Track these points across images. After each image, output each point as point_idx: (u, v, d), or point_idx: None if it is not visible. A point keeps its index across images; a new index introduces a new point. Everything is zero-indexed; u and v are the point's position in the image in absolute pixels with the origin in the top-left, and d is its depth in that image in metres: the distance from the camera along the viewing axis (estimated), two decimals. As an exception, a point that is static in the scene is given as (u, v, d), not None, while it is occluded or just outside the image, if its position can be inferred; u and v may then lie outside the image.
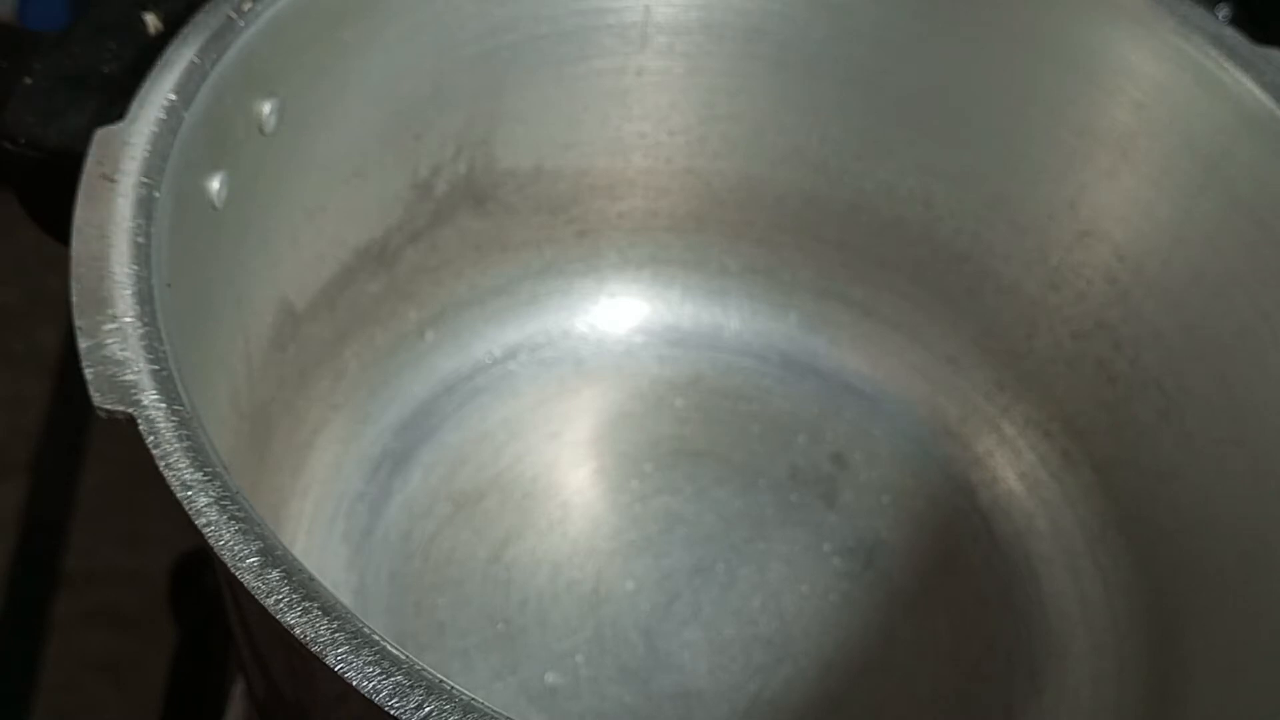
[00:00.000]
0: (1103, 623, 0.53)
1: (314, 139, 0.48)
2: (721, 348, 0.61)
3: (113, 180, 0.38)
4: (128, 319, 0.35)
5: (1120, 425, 0.54)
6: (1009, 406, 0.58)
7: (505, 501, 0.55)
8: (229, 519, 0.32)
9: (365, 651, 0.30)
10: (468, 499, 0.55)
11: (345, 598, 0.52)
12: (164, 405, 0.34)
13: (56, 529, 0.68)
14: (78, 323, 0.35)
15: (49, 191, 0.45)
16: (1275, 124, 0.46)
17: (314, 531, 0.53)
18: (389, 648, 0.30)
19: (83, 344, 0.35)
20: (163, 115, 0.40)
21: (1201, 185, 0.49)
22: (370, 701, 0.29)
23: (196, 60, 0.42)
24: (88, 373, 0.34)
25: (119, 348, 0.35)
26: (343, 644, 0.30)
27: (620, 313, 0.61)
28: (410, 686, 0.30)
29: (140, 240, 0.37)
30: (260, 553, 0.32)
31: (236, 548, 0.32)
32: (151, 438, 0.33)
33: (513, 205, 0.58)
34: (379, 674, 0.30)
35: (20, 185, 0.48)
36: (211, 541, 0.32)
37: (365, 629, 0.31)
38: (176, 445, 0.33)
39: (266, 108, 0.45)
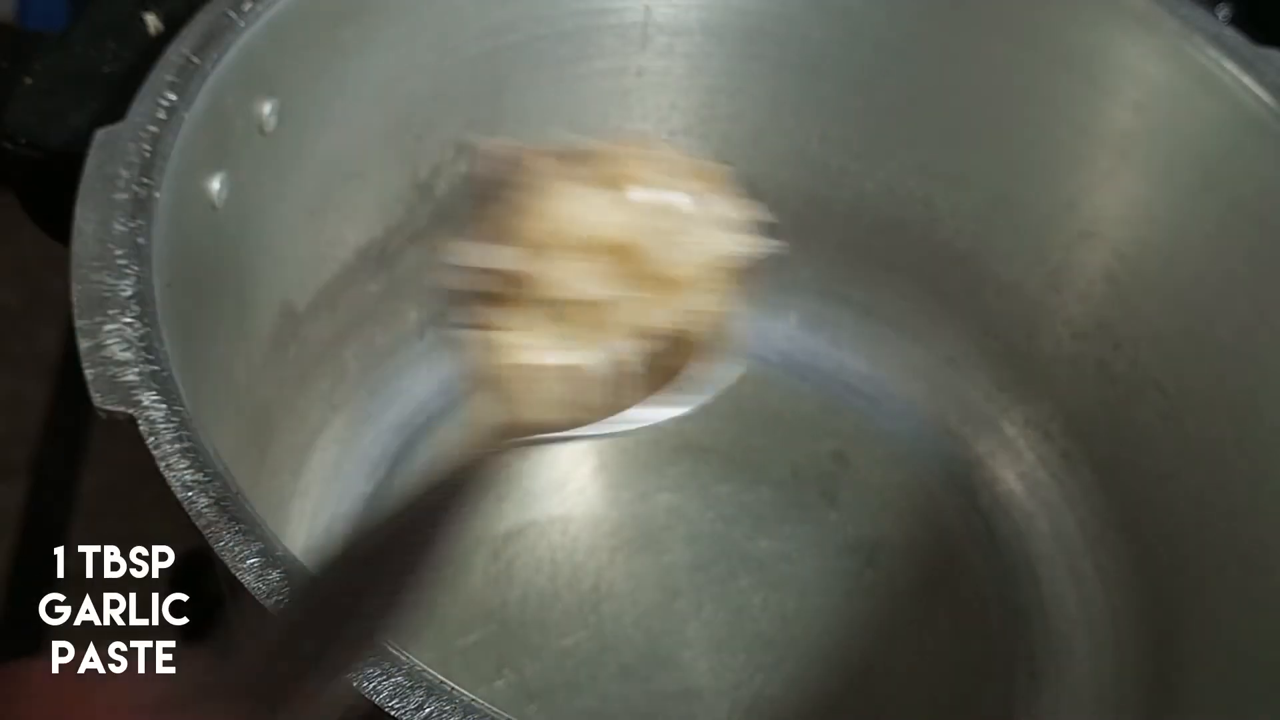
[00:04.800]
0: (1103, 623, 0.53)
1: (314, 139, 0.48)
2: (722, 347, 0.61)
3: (113, 181, 0.38)
4: (128, 319, 0.35)
5: (1120, 426, 0.54)
6: (1009, 407, 0.58)
7: (505, 498, 0.55)
8: (229, 520, 0.32)
9: (365, 652, 0.30)
10: (468, 498, 0.55)
11: (346, 598, 0.52)
12: (164, 406, 0.34)
13: (56, 529, 0.68)
14: (78, 323, 0.35)
15: (49, 192, 0.45)
16: (1276, 125, 0.46)
17: (315, 532, 0.53)
18: (389, 648, 0.30)
19: (83, 345, 0.35)
20: (163, 116, 0.40)
21: (1202, 186, 0.49)
22: (371, 702, 0.29)
23: (197, 61, 0.42)
24: (88, 373, 0.34)
25: (119, 348, 0.35)
26: (343, 645, 0.30)
27: (620, 313, 0.61)
28: (410, 687, 0.30)
29: (140, 240, 0.37)
30: (261, 554, 0.32)
31: (237, 549, 0.32)
32: (152, 439, 0.33)
33: (513, 205, 0.58)
34: (379, 674, 0.30)
35: (21, 186, 0.48)
36: (212, 542, 0.32)
37: (365, 630, 0.31)
38: (177, 446, 0.33)
39: (266, 108, 0.45)
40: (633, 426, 0.33)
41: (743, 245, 0.33)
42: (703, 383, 0.33)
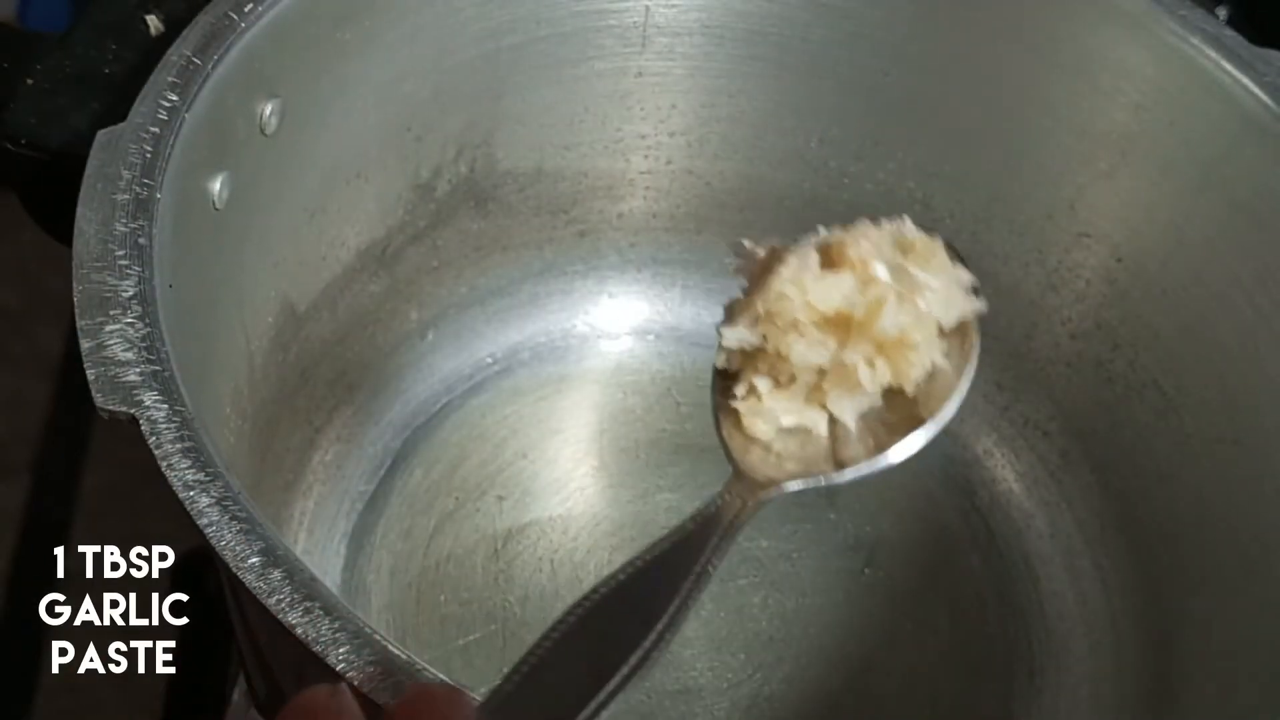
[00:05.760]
0: (1101, 622, 0.53)
1: (315, 140, 0.48)
2: (722, 347, 0.61)
3: (114, 181, 0.39)
4: (129, 320, 0.35)
5: (1119, 425, 0.54)
6: (1008, 406, 0.58)
7: (506, 498, 0.55)
8: (230, 519, 0.32)
9: (366, 651, 0.30)
10: (469, 496, 0.55)
11: (346, 596, 0.52)
12: (166, 406, 0.34)
13: (57, 529, 0.68)
14: (80, 323, 0.35)
15: (51, 192, 0.45)
16: (1274, 125, 0.46)
17: (315, 531, 0.53)
18: (390, 648, 0.30)
19: (85, 345, 0.35)
20: (164, 116, 0.40)
21: (1200, 186, 0.49)
22: (372, 702, 0.29)
23: (198, 61, 0.42)
24: (90, 373, 0.34)
25: (121, 348, 0.35)
26: (344, 644, 0.30)
27: (621, 313, 0.61)
28: (411, 686, 0.30)
29: (142, 241, 0.37)
30: (262, 553, 0.32)
31: (238, 548, 0.32)
32: (153, 438, 0.33)
33: (513, 206, 0.58)
34: (380, 674, 0.30)
35: (22, 186, 0.48)
36: (213, 542, 0.32)
37: (366, 629, 0.31)
38: (178, 446, 0.33)
39: (268, 108, 0.45)
40: (857, 475, 0.37)
41: (950, 309, 0.38)
42: (915, 434, 0.37)
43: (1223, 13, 0.55)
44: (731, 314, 0.39)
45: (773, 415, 0.38)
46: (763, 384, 0.38)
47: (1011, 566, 0.56)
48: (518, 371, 0.60)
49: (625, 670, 0.29)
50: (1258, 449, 0.47)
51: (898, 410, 0.38)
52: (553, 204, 0.58)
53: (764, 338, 0.37)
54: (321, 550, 0.53)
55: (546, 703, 0.28)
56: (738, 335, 0.38)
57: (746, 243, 0.39)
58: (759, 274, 0.38)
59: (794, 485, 0.37)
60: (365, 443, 0.56)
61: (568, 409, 0.59)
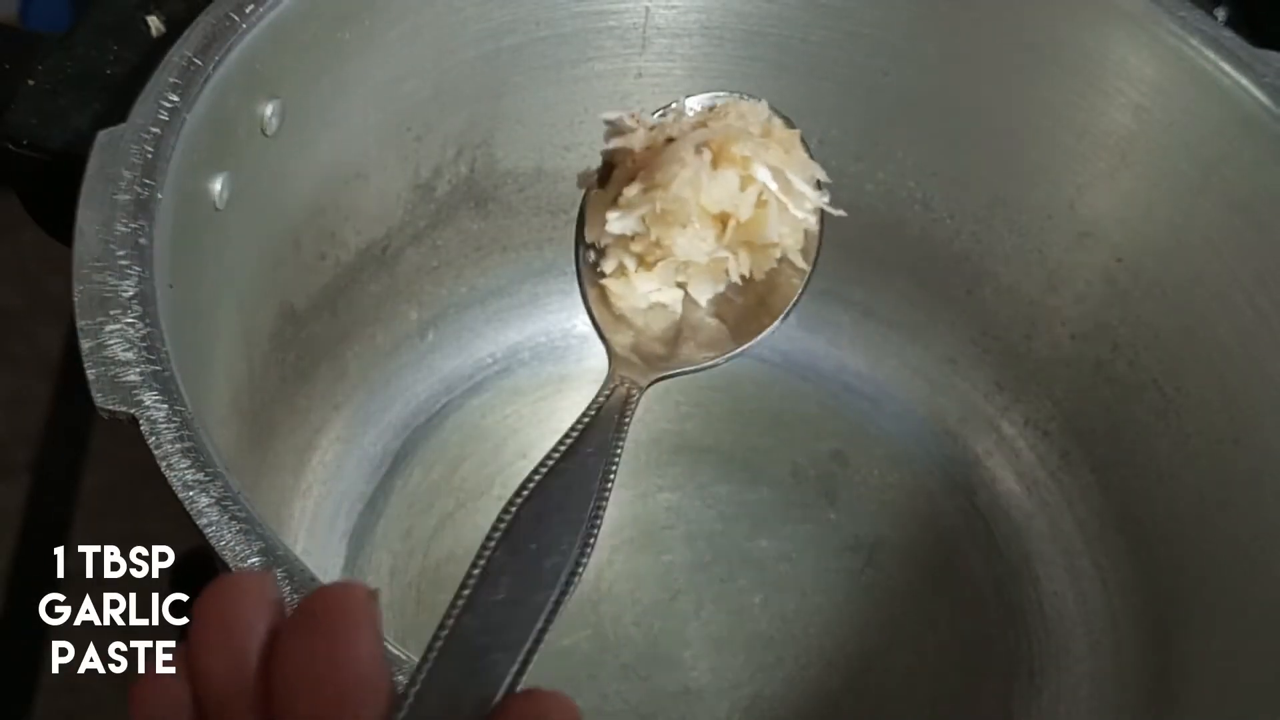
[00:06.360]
0: (1101, 622, 0.53)
1: (315, 140, 0.48)
2: (721, 348, 0.61)
3: (115, 182, 0.39)
4: (130, 320, 0.36)
5: (1119, 426, 0.54)
6: (1008, 407, 0.58)
7: (506, 498, 0.55)
8: (230, 519, 0.32)
9: (366, 651, 0.30)
10: (469, 496, 0.55)
11: (346, 597, 0.52)
12: (166, 406, 0.34)
13: (57, 529, 0.68)
14: (80, 324, 0.35)
15: (51, 193, 0.45)
16: (1273, 126, 0.46)
17: (315, 531, 0.53)
18: (390, 648, 0.30)
19: (85, 345, 0.35)
20: (165, 117, 0.40)
21: (1200, 187, 0.49)
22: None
23: (199, 62, 0.42)
24: (90, 373, 0.34)
25: (121, 348, 0.35)
26: (344, 644, 0.30)
27: (621, 313, 0.61)
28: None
29: (142, 241, 0.37)
30: (262, 553, 0.32)
31: (238, 548, 0.32)
32: (153, 438, 0.33)
33: (513, 206, 0.58)
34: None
35: (22, 186, 0.48)
36: (213, 542, 0.32)
37: (366, 629, 0.31)
38: (178, 445, 0.33)
39: (268, 109, 0.45)
40: (724, 358, 0.39)
41: (812, 212, 0.40)
42: (768, 324, 0.40)
43: (1222, 13, 0.55)
44: (605, 184, 0.40)
45: (640, 294, 0.40)
46: (631, 263, 0.40)
47: (1012, 566, 0.56)
48: (518, 371, 0.60)
49: (564, 577, 0.29)
50: (1258, 449, 0.48)
51: (744, 294, 0.41)
52: (553, 204, 0.58)
53: (646, 226, 0.39)
54: (321, 550, 0.53)
55: (495, 626, 0.28)
56: (626, 225, 0.39)
57: (625, 117, 0.40)
58: (641, 156, 0.40)
59: (675, 370, 0.38)
60: (365, 443, 0.56)
61: (568, 409, 0.59)
